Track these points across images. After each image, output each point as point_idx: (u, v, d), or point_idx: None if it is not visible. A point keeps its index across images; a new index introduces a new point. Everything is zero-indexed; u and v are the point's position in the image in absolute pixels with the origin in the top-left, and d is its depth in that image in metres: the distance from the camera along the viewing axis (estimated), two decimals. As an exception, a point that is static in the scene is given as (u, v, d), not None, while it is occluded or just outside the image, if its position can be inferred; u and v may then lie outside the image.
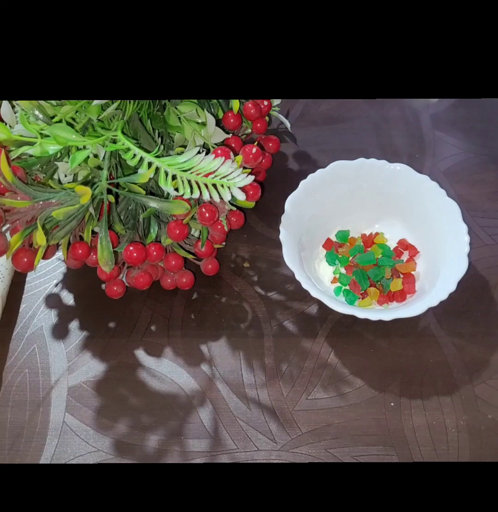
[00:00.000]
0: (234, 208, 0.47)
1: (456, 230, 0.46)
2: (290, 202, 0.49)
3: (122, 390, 0.45)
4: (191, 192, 0.40)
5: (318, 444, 0.42)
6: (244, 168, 0.44)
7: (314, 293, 0.43)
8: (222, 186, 0.40)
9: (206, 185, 0.40)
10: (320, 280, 0.50)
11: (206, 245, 0.47)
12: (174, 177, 0.40)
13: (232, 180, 0.40)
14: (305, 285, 0.44)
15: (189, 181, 0.40)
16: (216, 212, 0.43)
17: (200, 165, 0.40)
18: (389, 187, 0.50)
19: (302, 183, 0.50)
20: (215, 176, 0.40)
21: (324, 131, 0.62)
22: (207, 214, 0.43)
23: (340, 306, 0.43)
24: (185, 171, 0.40)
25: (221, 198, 0.40)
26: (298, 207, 0.49)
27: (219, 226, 0.45)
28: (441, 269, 0.46)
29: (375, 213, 0.52)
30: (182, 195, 0.40)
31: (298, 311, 0.49)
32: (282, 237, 0.47)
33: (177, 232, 0.44)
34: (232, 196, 0.40)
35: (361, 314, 0.43)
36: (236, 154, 0.43)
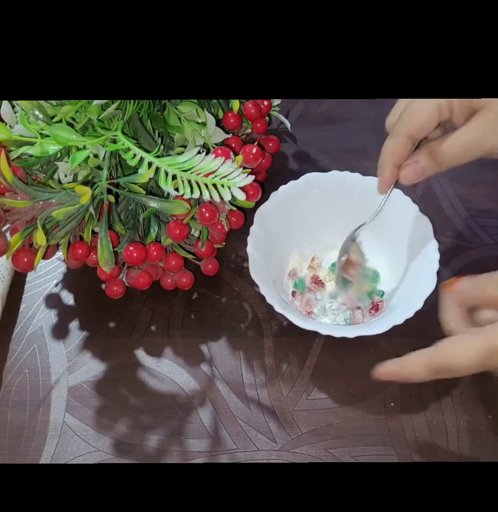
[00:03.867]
0: (234, 208, 0.47)
1: (427, 246, 0.45)
2: (260, 215, 0.48)
3: (122, 390, 0.45)
4: (191, 192, 0.40)
5: (318, 444, 0.42)
6: (244, 168, 0.44)
7: (278, 308, 0.43)
8: (222, 186, 0.40)
9: (206, 185, 0.40)
10: (287, 292, 0.49)
11: (206, 245, 0.47)
12: (174, 177, 0.40)
13: (232, 180, 0.40)
14: (269, 299, 0.43)
15: (189, 181, 0.40)
16: (216, 212, 0.43)
17: (200, 165, 0.40)
18: (362, 200, 0.48)
19: (273, 195, 0.49)
20: (215, 176, 0.40)
21: (324, 131, 0.62)
22: (207, 214, 0.43)
23: (304, 321, 0.42)
24: (185, 171, 0.40)
25: (221, 198, 0.40)
26: (268, 220, 0.48)
27: (219, 226, 0.45)
28: (410, 285, 0.46)
29: (348, 227, 0.49)
30: (182, 195, 0.40)
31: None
32: (249, 249, 0.46)
33: (177, 232, 0.44)
34: (232, 196, 0.40)
35: (324, 330, 0.42)
36: (236, 154, 0.43)
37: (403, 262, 0.48)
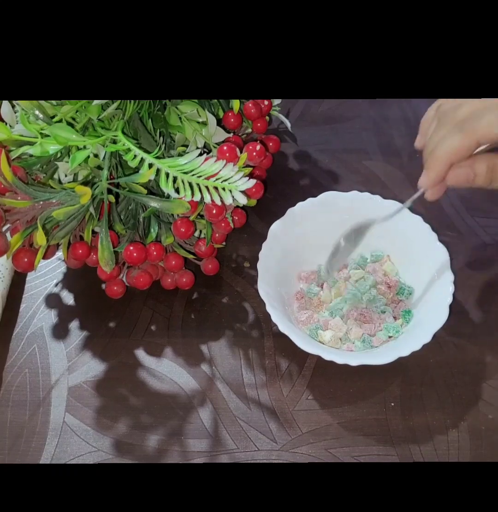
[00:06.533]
0: (240, 204, 0.47)
1: (443, 278, 0.44)
2: (274, 230, 0.47)
3: (122, 390, 0.45)
4: (192, 194, 0.40)
5: (318, 444, 0.42)
6: (248, 165, 0.44)
7: (282, 328, 0.42)
8: (224, 189, 0.40)
9: (207, 188, 0.40)
10: (294, 315, 0.47)
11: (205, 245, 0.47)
12: (175, 179, 0.40)
13: (233, 183, 0.40)
14: (274, 318, 0.42)
15: (190, 184, 0.40)
16: (224, 208, 0.43)
17: (201, 167, 0.40)
18: (381, 223, 0.47)
19: (290, 211, 0.48)
20: (217, 179, 0.40)
21: (324, 131, 0.62)
22: (214, 210, 0.43)
23: (307, 344, 0.42)
24: (186, 173, 0.40)
25: (222, 201, 0.40)
26: (282, 236, 0.47)
27: (223, 224, 0.45)
28: (420, 315, 0.45)
29: (363, 248, 0.49)
30: (183, 197, 0.40)
31: (298, 311, 0.49)
32: (260, 265, 0.45)
33: (183, 230, 0.44)
34: (234, 198, 0.40)
35: (327, 355, 0.41)
36: (240, 151, 0.43)
37: (418, 289, 0.47)
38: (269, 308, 0.43)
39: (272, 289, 0.45)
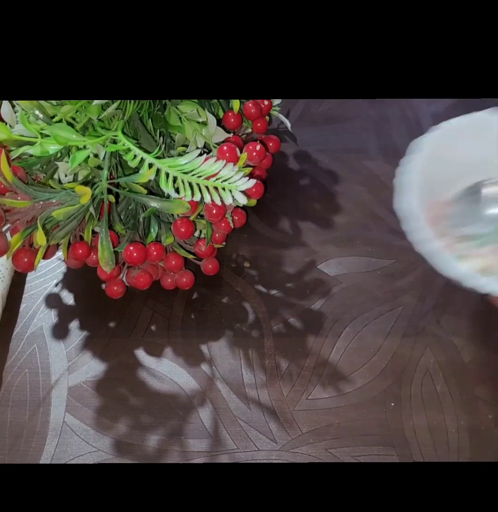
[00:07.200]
0: (240, 204, 0.47)
1: None
2: (423, 145, 0.42)
3: (122, 390, 0.45)
4: (192, 194, 0.40)
5: (318, 444, 0.42)
6: (248, 165, 0.44)
7: (425, 247, 0.37)
8: (224, 189, 0.40)
9: (207, 188, 0.40)
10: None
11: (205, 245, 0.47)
12: (175, 179, 0.40)
13: (233, 183, 0.40)
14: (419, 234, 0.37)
15: (190, 184, 0.40)
16: (224, 208, 0.43)
17: (202, 167, 0.40)
18: None
19: (444, 125, 0.43)
20: (217, 179, 0.40)
21: (324, 131, 0.62)
22: (214, 210, 0.43)
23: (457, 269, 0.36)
24: (186, 173, 0.40)
25: (222, 201, 0.40)
26: (431, 154, 0.42)
27: (223, 224, 0.45)
28: None
29: None
30: (183, 197, 0.40)
31: (298, 311, 0.49)
32: (404, 179, 0.40)
33: (183, 230, 0.44)
34: (234, 198, 0.40)
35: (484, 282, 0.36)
36: (240, 151, 0.43)
37: None
38: (411, 223, 0.38)
39: (413, 206, 0.40)
